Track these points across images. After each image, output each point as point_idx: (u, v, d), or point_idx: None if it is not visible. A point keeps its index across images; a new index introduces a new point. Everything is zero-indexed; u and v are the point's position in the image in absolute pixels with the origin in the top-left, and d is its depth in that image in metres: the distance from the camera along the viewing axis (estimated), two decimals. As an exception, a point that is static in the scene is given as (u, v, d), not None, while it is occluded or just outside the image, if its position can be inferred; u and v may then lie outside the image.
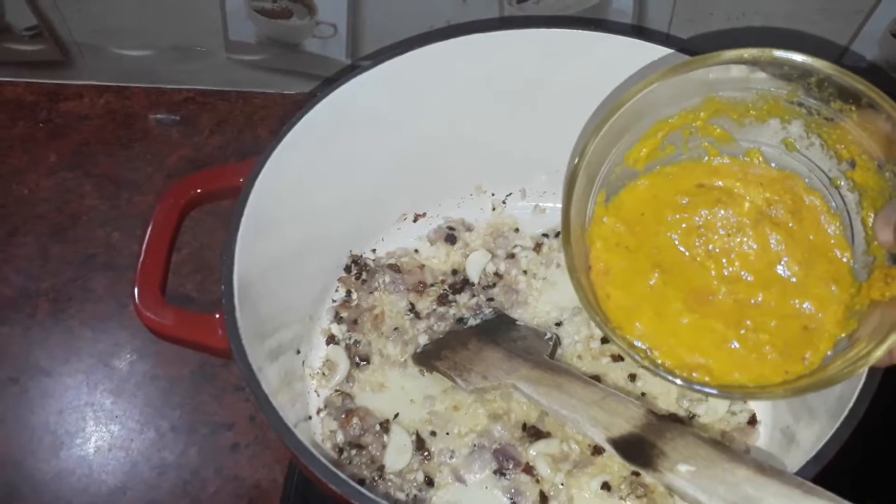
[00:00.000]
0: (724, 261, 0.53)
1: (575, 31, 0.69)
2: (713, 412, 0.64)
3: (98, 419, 0.76)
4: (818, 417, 0.52)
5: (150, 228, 0.58)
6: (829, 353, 0.50)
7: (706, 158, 0.56)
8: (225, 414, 0.76)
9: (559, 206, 0.76)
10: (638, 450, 0.52)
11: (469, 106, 0.71)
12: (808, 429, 0.54)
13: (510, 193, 0.78)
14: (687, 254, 0.54)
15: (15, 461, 0.74)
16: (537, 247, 0.75)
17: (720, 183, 0.55)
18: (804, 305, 0.51)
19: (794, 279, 0.52)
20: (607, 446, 0.54)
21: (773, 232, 0.53)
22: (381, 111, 0.68)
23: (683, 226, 0.54)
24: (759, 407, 0.65)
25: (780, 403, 0.64)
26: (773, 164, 0.55)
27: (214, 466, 0.73)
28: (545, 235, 0.76)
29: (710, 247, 0.54)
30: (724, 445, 0.51)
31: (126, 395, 0.77)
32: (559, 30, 0.69)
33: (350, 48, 0.87)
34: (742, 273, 0.53)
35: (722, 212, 0.54)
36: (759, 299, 0.52)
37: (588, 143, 0.53)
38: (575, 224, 0.53)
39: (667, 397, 0.66)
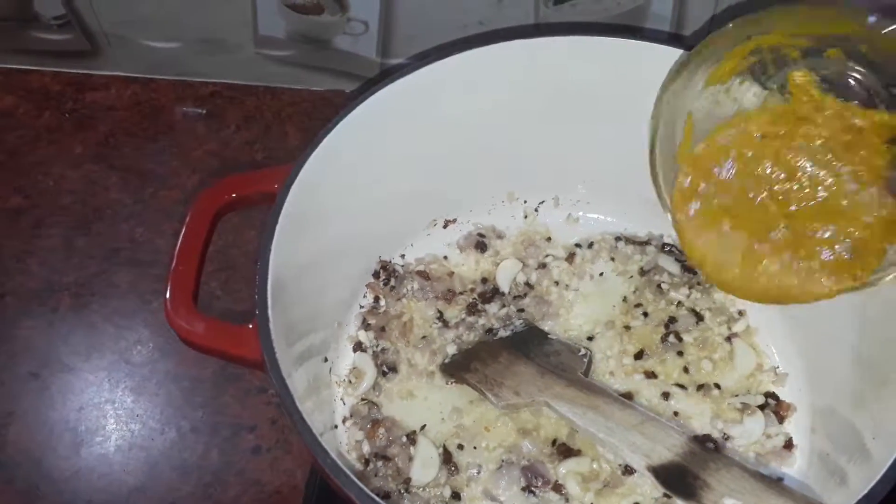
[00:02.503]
0: (783, 201, 0.58)
1: (616, 39, 0.67)
2: (748, 434, 0.63)
3: (119, 417, 0.75)
4: (866, 454, 0.51)
5: (182, 233, 0.57)
6: (876, 268, 0.55)
7: (783, 84, 0.59)
8: (247, 416, 0.75)
9: (593, 215, 0.77)
10: (680, 480, 0.50)
11: (504, 112, 0.70)
12: (855, 464, 0.52)
13: (543, 201, 0.77)
14: (752, 196, 0.59)
15: (34, 458, 0.73)
16: (570, 257, 0.73)
17: (781, 131, 0.58)
18: (854, 231, 0.55)
19: (844, 209, 0.56)
20: (648, 475, 0.52)
21: (828, 175, 0.57)
22: (416, 116, 0.67)
23: (748, 177, 0.59)
24: (795, 432, 0.64)
25: (819, 430, 0.62)
26: (848, 79, 0.58)
27: (235, 469, 0.73)
28: (578, 246, 0.74)
29: (770, 190, 0.58)
30: (771, 480, 0.50)
31: (147, 394, 0.76)
32: (600, 38, 0.67)
33: (381, 46, 0.86)
34: (799, 208, 0.58)
35: (780, 162, 0.58)
36: (815, 230, 0.57)
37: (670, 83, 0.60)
38: (663, 147, 0.60)
39: (700, 418, 0.65)
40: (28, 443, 0.74)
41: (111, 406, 0.76)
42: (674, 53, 0.65)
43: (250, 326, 0.53)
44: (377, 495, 0.61)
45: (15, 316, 0.80)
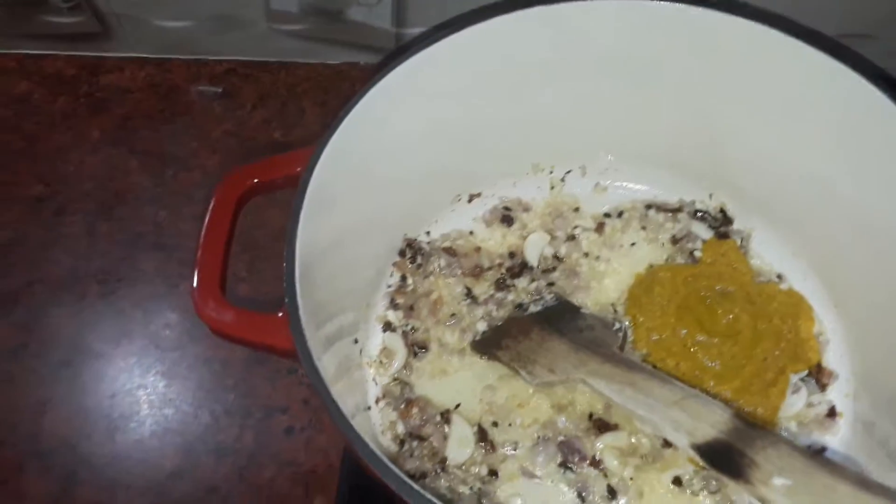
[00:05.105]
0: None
1: (634, 1, 0.65)
2: (790, 403, 0.62)
3: (152, 403, 0.75)
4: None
5: (206, 222, 0.56)
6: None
7: None
8: (278, 397, 0.75)
9: (621, 183, 0.75)
10: (726, 458, 0.49)
11: (527, 81, 0.68)
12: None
13: (569, 171, 0.75)
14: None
15: (71, 444, 0.74)
16: (599, 227, 0.72)
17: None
18: None
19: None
20: (692, 452, 0.51)
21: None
22: (436, 89, 0.65)
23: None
24: (838, 399, 0.63)
25: (863, 397, 0.61)
26: None
27: (270, 451, 0.73)
28: (607, 215, 0.73)
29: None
30: (821, 457, 0.48)
31: (179, 378, 0.76)
32: (620, 1, 0.65)
33: (396, 16, 0.84)
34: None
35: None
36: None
37: None
38: None
39: (738, 389, 0.64)
40: (64, 430, 0.74)
41: (143, 391, 0.76)
42: (696, 14, 0.63)
43: (280, 315, 0.52)
44: (414, 476, 0.61)
45: (43, 305, 0.80)
